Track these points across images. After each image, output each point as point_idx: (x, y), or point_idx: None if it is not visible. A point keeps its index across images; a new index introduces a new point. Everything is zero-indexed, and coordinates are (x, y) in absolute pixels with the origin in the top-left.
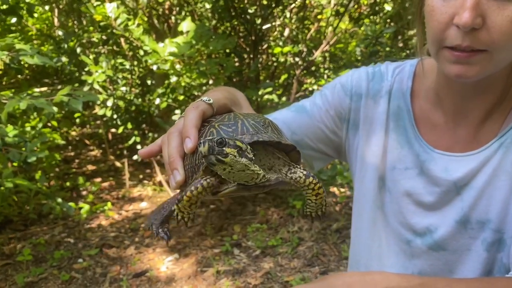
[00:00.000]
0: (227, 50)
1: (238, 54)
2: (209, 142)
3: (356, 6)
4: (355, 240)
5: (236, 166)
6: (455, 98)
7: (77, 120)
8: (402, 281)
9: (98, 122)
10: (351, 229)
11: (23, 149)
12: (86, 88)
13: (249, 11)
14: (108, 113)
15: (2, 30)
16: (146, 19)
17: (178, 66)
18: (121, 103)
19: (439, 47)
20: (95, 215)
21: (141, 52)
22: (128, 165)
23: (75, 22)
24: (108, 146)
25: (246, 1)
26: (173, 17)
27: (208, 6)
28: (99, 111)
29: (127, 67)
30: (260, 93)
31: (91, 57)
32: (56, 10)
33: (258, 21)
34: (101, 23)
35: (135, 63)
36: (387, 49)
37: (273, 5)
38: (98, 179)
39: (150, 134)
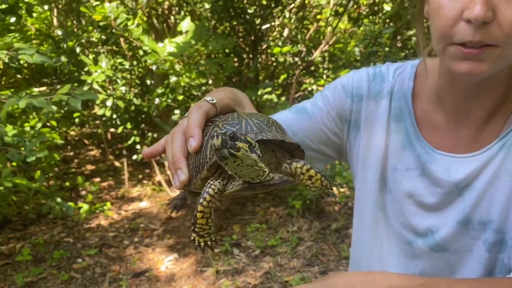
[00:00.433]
0: (227, 50)
1: (237, 54)
2: (222, 135)
3: (355, 6)
4: (357, 241)
5: (246, 161)
6: (456, 99)
7: (76, 120)
8: (403, 281)
9: (97, 122)
10: (352, 230)
11: (22, 148)
12: (85, 88)
13: (249, 11)
14: (108, 113)
15: (1, 30)
16: (145, 19)
17: (177, 66)
18: (120, 103)
19: (446, 44)
20: (95, 215)
21: (141, 52)
22: (127, 165)
23: (74, 22)
24: (107, 146)
25: (245, 1)
26: (172, 17)
27: (207, 6)
28: (98, 111)
29: (127, 67)
30: (259, 93)
31: (90, 57)
32: (55, 10)
33: (258, 21)
34: (101, 23)
35: (135, 63)
36: (386, 49)
37: (273, 5)
38: (97, 179)
39: (150, 134)
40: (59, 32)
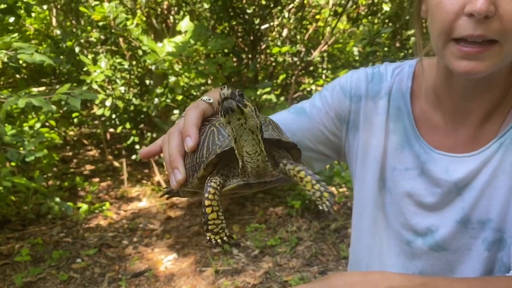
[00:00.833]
0: (226, 50)
1: (236, 54)
2: (232, 88)
3: (354, 7)
4: (356, 241)
5: (250, 122)
6: (454, 98)
7: (75, 120)
8: (403, 281)
9: (96, 122)
10: (352, 230)
11: (21, 148)
12: (84, 88)
13: (248, 11)
14: (107, 113)
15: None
16: (144, 18)
17: (176, 66)
18: (119, 103)
19: (446, 40)
20: (94, 215)
21: (140, 52)
22: (126, 165)
23: (73, 21)
24: (106, 146)
25: (244, 1)
26: (171, 17)
27: (206, 6)
28: (97, 111)
29: (126, 67)
30: (258, 93)
31: (89, 56)
32: (54, 10)
33: (257, 21)
34: (100, 23)
35: (134, 63)
36: (385, 49)
37: (272, 5)
38: (96, 179)
39: (149, 134)
40: (58, 32)
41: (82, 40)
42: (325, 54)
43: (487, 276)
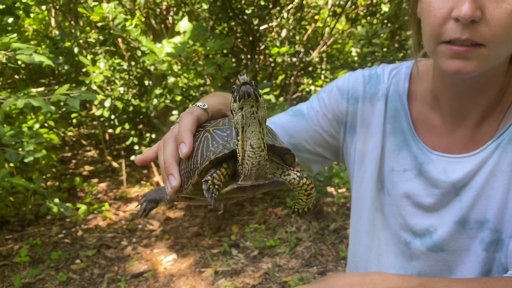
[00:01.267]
0: (225, 51)
1: (235, 55)
2: (250, 78)
3: (353, 7)
4: (354, 241)
5: (260, 112)
6: (451, 99)
7: (74, 121)
8: (402, 282)
9: (95, 122)
10: (350, 230)
11: (20, 149)
12: (83, 89)
13: (247, 11)
14: (106, 114)
15: None
16: (143, 19)
17: (175, 67)
18: (118, 103)
19: (436, 42)
20: (93, 215)
21: (139, 53)
22: (125, 166)
23: (72, 22)
24: (105, 147)
25: (243, 2)
26: (170, 17)
27: (205, 6)
28: (96, 111)
29: (125, 67)
30: None
31: (88, 57)
32: (53, 11)
33: (256, 21)
34: (99, 24)
35: (133, 63)
36: (384, 49)
37: (271, 6)
38: (95, 180)
39: (148, 135)
40: (57, 33)
41: (81, 41)
42: (324, 55)
43: (485, 276)
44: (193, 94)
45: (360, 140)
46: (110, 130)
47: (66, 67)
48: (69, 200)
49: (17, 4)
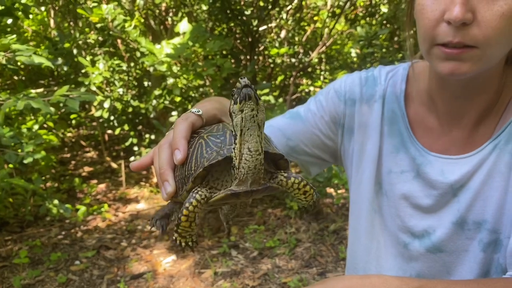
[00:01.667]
0: (224, 52)
1: (234, 56)
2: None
3: (352, 8)
4: (353, 243)
5: (260, 116)
6: (448, 100)
7: (73, 122)
8: (401, 284)
9: (94, 123)
10: (349, 232)
11: (19, 150)
12: (82, 90)
13: (246, 12)
14: (105, 115)
15: None
16: (142, 20)
17: (174, 68)
18: (118, 104)
19: (430, 45)
20: (92, 216)
21: (138, 54)
22: (124, 167)
23: (71, 23)
24: (105, 148)
25: (242, 3)
26: (169, 19)
27: (204, 7)
28: (95, 112)
29: (124, 68)
30: None
31: (87, 58)
32: (52, 12)
33: (255, 22)
34: (98, 25)
35: (132, 64)
36: (383, 50)
37: (270, 7)
38: (95, 181)
39: (147, 136)
40: (56, 34)
41: (80, 42)
42: (323, 55)
43: (483, 277)
44: (193, 95)
45: (357, 142)
46: (109, 131)
47: (65, 68)
48: (69, 201)
49: (16, 5)
